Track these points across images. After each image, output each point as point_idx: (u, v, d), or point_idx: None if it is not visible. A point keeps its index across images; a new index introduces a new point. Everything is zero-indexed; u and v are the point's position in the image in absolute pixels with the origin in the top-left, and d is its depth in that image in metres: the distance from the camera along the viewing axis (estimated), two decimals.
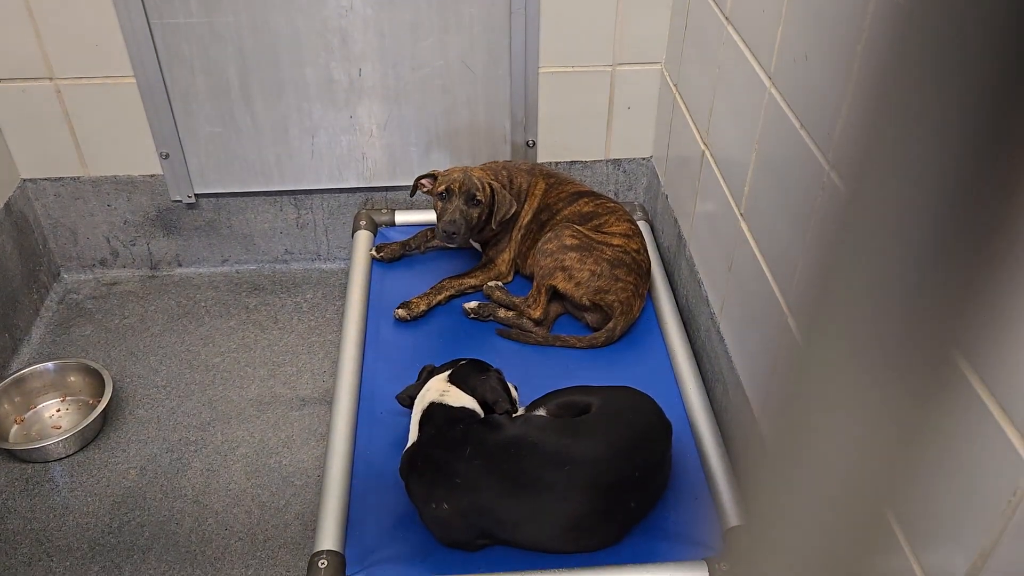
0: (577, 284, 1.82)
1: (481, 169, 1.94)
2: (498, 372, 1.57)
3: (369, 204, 2.31)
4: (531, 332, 1.87)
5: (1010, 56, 0.22)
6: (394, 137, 2.18)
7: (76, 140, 2.13)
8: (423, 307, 1.93)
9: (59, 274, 2.34)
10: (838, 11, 1.17)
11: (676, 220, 2.05)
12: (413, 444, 1.47)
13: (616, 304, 1.83)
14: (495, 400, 1.50)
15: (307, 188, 2.25)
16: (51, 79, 2.03)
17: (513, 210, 1.93)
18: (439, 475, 1.39)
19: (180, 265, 2.37)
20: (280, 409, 1.96)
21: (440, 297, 1.96)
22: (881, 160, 0.26)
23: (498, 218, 1.91)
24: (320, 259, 2.39)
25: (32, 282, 2.20)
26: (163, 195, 2.24)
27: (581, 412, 1.50)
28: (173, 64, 2.02)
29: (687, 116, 1.93)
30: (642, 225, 2.16)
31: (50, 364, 1.98)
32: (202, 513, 1.73)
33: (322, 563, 1.39)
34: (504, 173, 1.98)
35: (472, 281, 1.99)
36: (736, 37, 1.59)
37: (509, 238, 2.01)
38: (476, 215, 1.88)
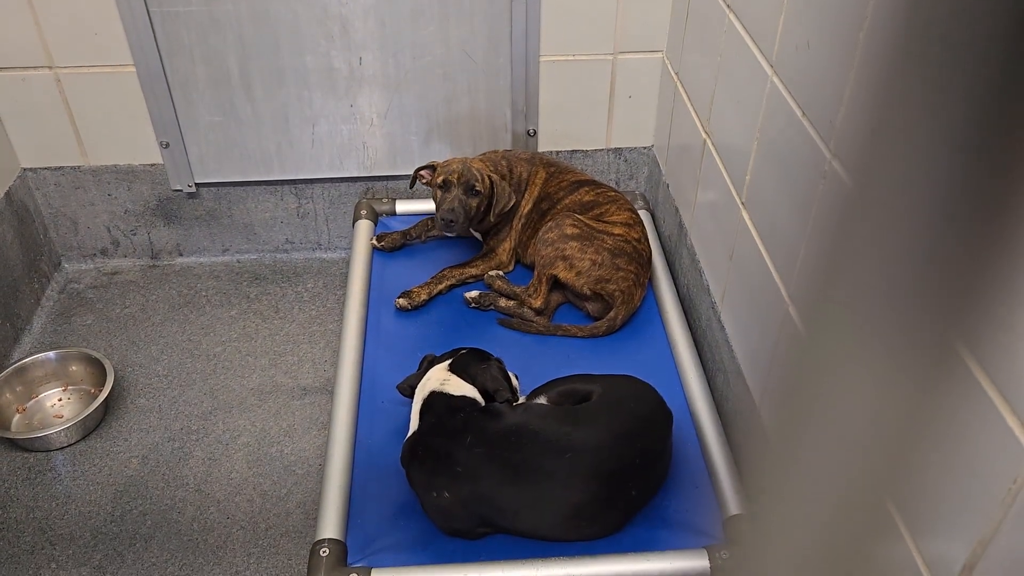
0: (578, 273, 1.82)
1: (480, 160, 1.93)
2: (499, 361, 1.58)
3: (370, 193, 2.30)
4: (532, 321, 1.87)
5: (1014, 48, 0.22)
6: (395, 126, 2.17)
7: (76, 129, 2.13)
8: (424, 296, 1.93)
9: (60, 263, 2.34)
10: None
11: (677, 209, 2.04)
12: (414, 433, 1.47)
13: (617, 293, 1.83)
14: (496, 389, 1.51)
15: (308, 177, 2.25)
16: (51, 68, 2.03)
17: (512, 202, 1.93)
18: (440, 464, 1.39)
19: (181, 254, 2.37)
20: (281, 398, 1.96)
21: (441, 286, 1.96)
22: (887, 153, 0.26)
23: (497, 210, 1.91)
24: (321, 248, 2.39)
25: (33, 272, 2.20)
26: (164, 184, 2.23)
27: (582, 400, 1.50)
28: (173, 53, 2.02)
29: (688, 105, 1.92)
30: (643, 214, 2.16)
31: (51, 353, 1.98)
32: (204, 502, 1.74)
33: (324, 551, 1.39)
34: (504, 163, 1.98)
35: (473, 270, 1.99)
36: (738, 25, 1.58)
37: (510, 227, 2.01)
38: (475, 205, 1.88)
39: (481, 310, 1.93)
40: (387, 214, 2.23)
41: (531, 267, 1.97)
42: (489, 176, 1.89)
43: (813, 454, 0.32)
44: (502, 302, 1.91)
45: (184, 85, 2.06)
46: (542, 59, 2.10)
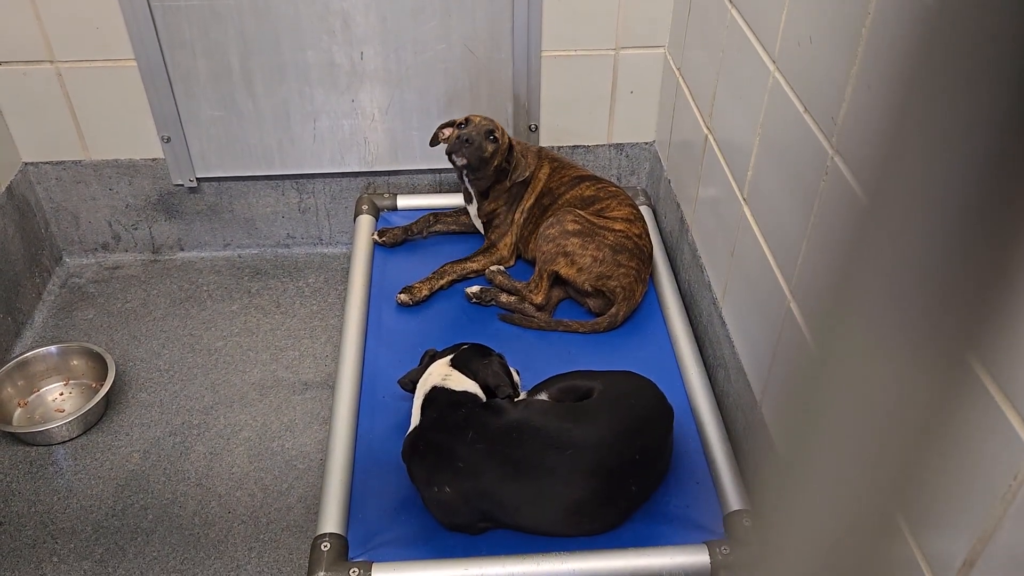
0: (579, 270, 1.82)
1: None
2: (500, 356, 1.58)
3: (371, 188, 2.30)
4: (533, 317, 1.87)
5: None
6: (396, 121, 2.17)
7: (77, 123, 2.13)
8: (425, 292, 1.94)
9: (61, 258, 2.34)
10: None
11: (678, 205, 2.04)
12: (415, 428, 1.47)
13: (618, 290, 1.82)
14: (497, 384, 1.51)
15: (309, 172, 2.25)
16: (52, 62, 2.03)
17: (528, 173, 1.95)
18: (441, 459, 1.40)
19: (182, 249, 2.37)
20: (282, 393, 1.96)
21: (442, 282, 1.96)
22: (902, 168, 0.26)
23: (515, 176, 1.93)
24: (322, 243, 2.39)
25: (34, 266, 2.20)
26: (165, 179, 2.23)
27: (583, 397, 1.50)
28: (174, 47, 2.01)
29: (690, 100, 1.92)
30: (644, 210, 2.15)
31: (53, 348, 1.98)
32: (205, 496, 1.74)
33: (325, 546, 1.39)
34: (519, 146, 1.99)
35: (474, 266, 1.99)
36: (740, 20, 1.58)
37: (511, 221, 2.01)
38: (491, 150, 1.89)
39: (482, 305, 1.93)
40: (388, 209, 2.23)
41: (532, 262, 1.97)
42: (511, 139, 1.93)
43: (822, 468, 0.32)
44: (503, 297, 1.91)
45: (185, 79, 2.06)
46: (543, 54, 2.09)
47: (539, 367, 1.69)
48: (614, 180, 2.32)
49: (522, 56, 2.08)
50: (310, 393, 1.96)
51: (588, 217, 1.87)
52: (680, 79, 2.00)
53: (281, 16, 1.99)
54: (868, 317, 0.28)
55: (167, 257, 2.36)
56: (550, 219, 1.88)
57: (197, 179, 2.22)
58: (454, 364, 1.52)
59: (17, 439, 1.84)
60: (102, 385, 1.88)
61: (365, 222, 2.16)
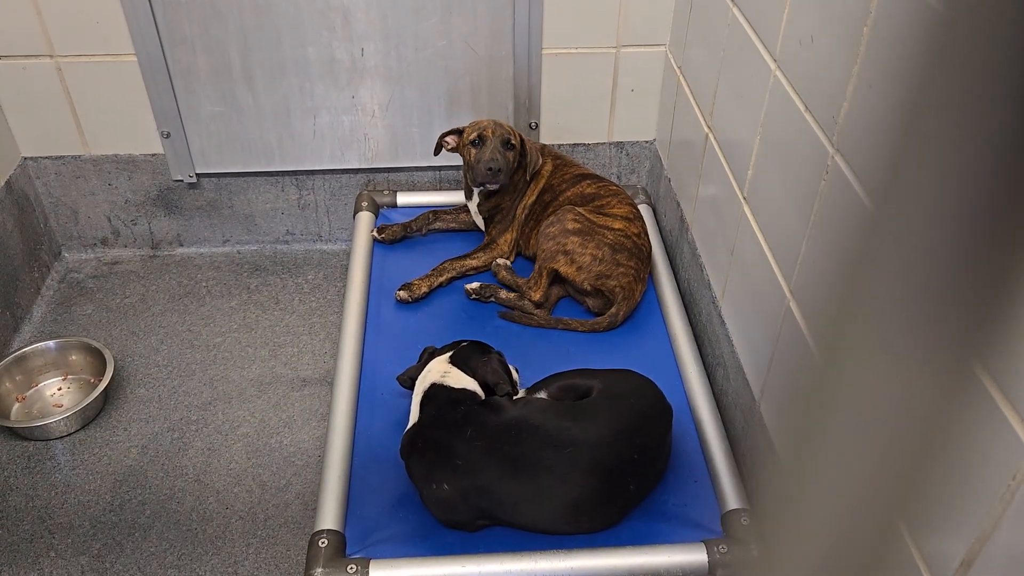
0: (579, 268, 1.82)
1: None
2: (499, 354, 1.58)
3: (371, 185, 2.30)
4: (532, 315, 1.87)
5: None
6: (396, 118, 2.17)
7: (77, 118, 2.12)
8: (424, 289, 1.93)
9: (60, 253, 2.34)
10: None
11: (678, 204, 2.04)
12: (414, 425, 1.47)
13: (618, 289, 1.82)
14: (496, 382, 1.51)
15: (309, 169, 2.24)
16: (52, 56, 2.02)
17: (541, 163, 1.96)
18: (440, 456, 1.39)
19: (181, 245, 2.37)
20: (281, 389, 1.96)
21: (441, 279, 1.96)
22: (909, 174, 0.26)
23: (531, 169, 1.94)
24: (321, 240, 2.39)
25: (33, 261, 2.20)
26: (164, 174, 2.23)
27: (582, 395, 1.50)
28: (174, 42, 2.01)
29: (691, 99, 1.92)
30: (644, 208, 2.15)
31: (51, 343, 1.98)
32: (203, 492, 1.74)
33: (322, 542, 1.39)
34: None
35: (473, 262, 1.99)
36: (741, 19, 1.58)
37: (512, 217, 2.01)
38: (512, 158, 1.90)
39: (482, 302, 1.92)
40: (388, 206, 2.23)
41: (532, 259, 1.97)
42: (520, 135, 1.94)
43: (824, 473, 0.32)
44: (503, 294, 1.91)
45: (185, 75, 2.06)
46: (544, 52, 2.09)
47: (538, 365, 1.69)
48: (614, 178, 2.32)
49: (523, 53, 2.08)
50: (308, 389, 1.96)
51: (588, 216, 1.87)
52: (681, 77, 2.00)
53: (282, 12, 1.98)
54: (873, 322, 0.28)
55: (166, 253, 2.36)
56: (551, 217, 1.88)
57: (197, 175, 2.22)
58: (453, 361, 1.52)
59: (15, 434, 1.84)
60: (100, 380, 1.88)
61: (365, 219, 2.15)
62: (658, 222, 2.19)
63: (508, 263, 1.97)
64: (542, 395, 1.54)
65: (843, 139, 1.17)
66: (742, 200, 1.59)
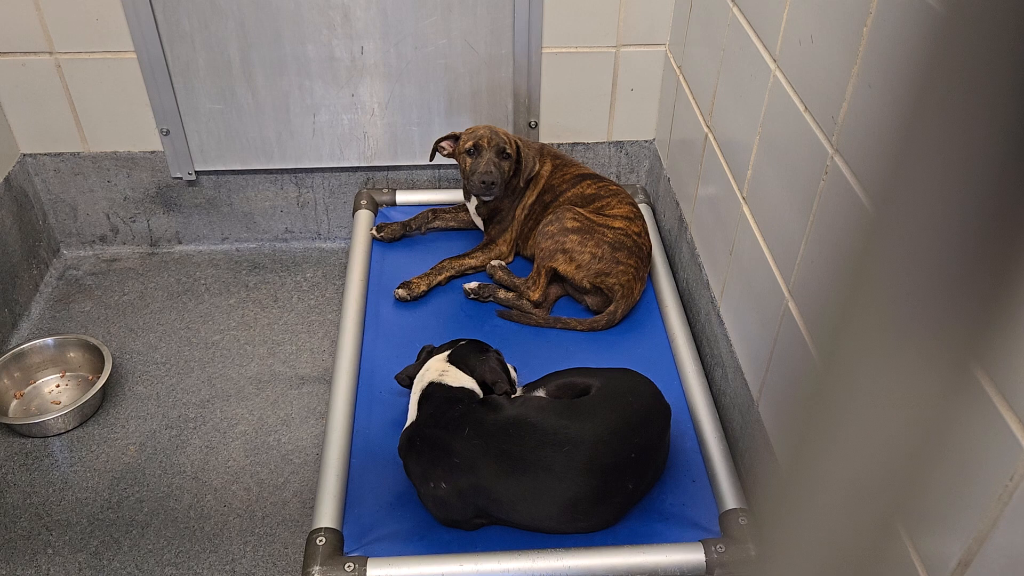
0: (578, 267, 1.82)
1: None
2: (497, 352, 1.58)
3: (370, 183, 2.30)
4: (531, 314, 1.87)
5: None
6: (396, 116, 2.17)
7: (76, 115, 2.12)
8: (423, 287, 1.93)
9: (59, 250, 2.34)
10: None
11: (678, 203, 2.04)
12: (412, 424, 1.47)
13: (617, 287, 1.82)
14: (494, 381, 1.51)
15: (308, 167, 2.24)
16: (51, 53, 2.02)
17: (537, 168, 1.95)
18: (438, 455, 1.39)
19: (180, 242, 2.37)
20: (279, 387, 1.96)
21: (440, 277, 1.96)
22: (910, 177, 0.26)
23: (525, 175, 1.93)
24: (320, 238, 2.39)
25: (32, 258, 2.20)
26: (163, 172, 2.23)
27: (580, 394, 1.50)
28: (174, 39, 2.01)
29: (690, 98, 1.92)
30: (644, 208, 2.15)
31: (49, 340, 1.98)
32: (201, 490, 1.74)
33: (320, 540, 1.39)
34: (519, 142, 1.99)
35: (472, 261, 1.99)
36: (741, 18, 1.58)
37: (512, 217, 2.01)
38: (507, 168, 1.89)
39: (480, 301, 1.92)
40: (387, 204, 2.23)
41: (531, 259, 1.97)
42: (516, 141, 1.92)
43: (824, 475, 0.32)
44: (501, 293, 1.91)
45: (185, 72, 2.05)
46: (544, 51, 2.09)
47: (537, 364, 1.69)
48: (613, 178, 2.32)
49: (523, 52, 2.08)
50: (307, 388, 1.96)
51: (587, 215, 1.87)
52: (681, 77, 2.00)
53: (281, 9, 1.98)
54: (872, 323, 0.28)
55: (165, 250, 2.36)
56: (550, 216, 1.88)
57: (196, 172, 2.22)
58: (451, 360, 1.52)
59: (13, 431, 1.84)
60: (98, 377, 1.88)
61: (364, 217, 2.15)
62: (657, 222, 2.19)
63: (503, 263, 1.97)
64: (540, 393, 1.54)
65: (842, 139, 1.18)
66: (741, 200, 1.59)
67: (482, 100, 2.15)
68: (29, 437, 1.83)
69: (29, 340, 1.99)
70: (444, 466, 1.38)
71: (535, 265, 1.88)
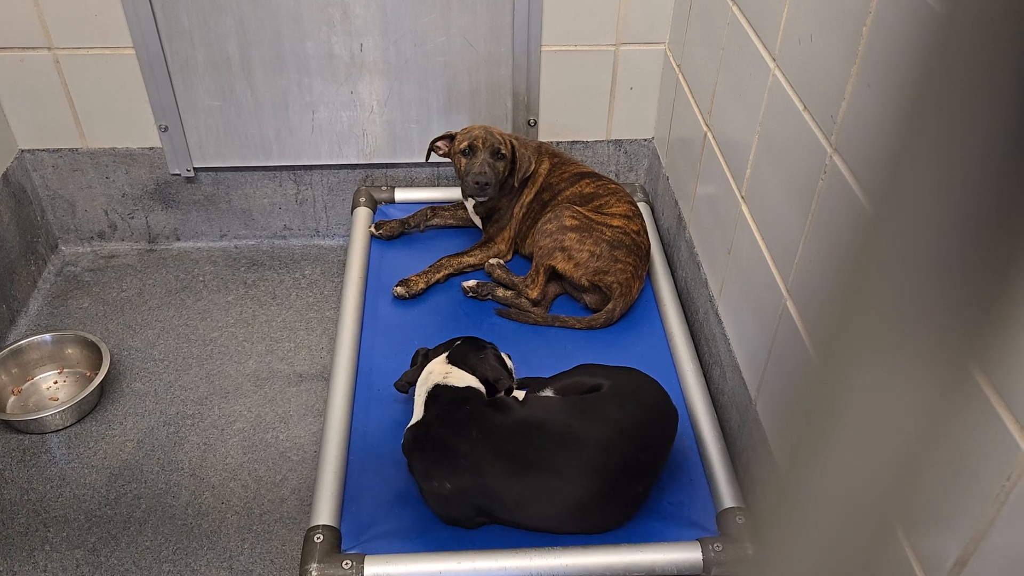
0: (576, 265, 1.82)
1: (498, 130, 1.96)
2: (493, 347, 1.58)
3: (369, 181, 2.30)
4: (529, 312, 1.87)
5: None
6: (395, 113, 2.16)
7: (75, 111, 2.12)
8: (422, 285, 1.93)
9: (57, 246, 2.33)
10: None
11: (676, 202, 2.04)
12: (418, 422, 1.46)
13: (615, 285, 1.82)
14: (496, 378, 1.50)
15: (307, 164, 2.24)
16: (50, 49, 2.02)
17: (532, 167, 1.95)
18: (443, 454, 1.39)
19: (178, 239, 2.36)
20: (277, 385, 1.96)
21: (439, 275, 1.96)
22: (908, 178, 0.26)
23: (520, 175, 1.93)
24: (319, 235, 2.39)
25: (30, 254, 2.20)
26: (162, 168, 2.23)
27: (589, 392, 1.49)
28: (173, 35, 2.00)
29: (690, 97, 1.92)
30: (642, 206, 2.15)
31: (47, 336, 1.97)
32: (199, 487, 1.74)
33: (318, 538, 1.39)
34: (516, 141, 1.99)
35: (471, 260, 1.99)
36: (741, 17, 1.58)
37: (510, 216, 2.01)
38: (502, 168, 1.89)
39: (479, 299, 1.92)
40: (386, 202, 2.22)
41: (529, 258, 1.97)
42: (511, 141, 1.92)
43: (822, 476, 0.32)
44: (500, 292, 1.91)
45: (184, 69, 2.05)
46: (544, 49, 2.09)
47: (535, 362, 1.69)
48: (612, 176, 2.32)
49: (522, 50, 2.08)
50: (305, 385, 1.96)
51: (586, 213, 1.87)
52: (680, 76, 1.99)
53: (281, 6, 1.98)
54: (870, 323, 0.28)
55: (163, 247, 2.36)
56: (548, 215, 1.88)
57: (194, 169, 2.22)
58: (451, 361, 1.52)
59: (10, 427, 1.83)
60: (96, 374, 1.88)
61: (362, 214, 2.15)
62: (656, 220, 2.19)
63: (501, 262, 1.97)
64: (548, 394, 1.53)
65: (841, 139, 1.18)
66: (740, 199, 1.59)
67: (481, 98, 2.15)
68: (27, 433, 1.83)
69: (27, 336, 1.98)
70: (449, 465, 1.38)
71: (533, 263, 1.88)
